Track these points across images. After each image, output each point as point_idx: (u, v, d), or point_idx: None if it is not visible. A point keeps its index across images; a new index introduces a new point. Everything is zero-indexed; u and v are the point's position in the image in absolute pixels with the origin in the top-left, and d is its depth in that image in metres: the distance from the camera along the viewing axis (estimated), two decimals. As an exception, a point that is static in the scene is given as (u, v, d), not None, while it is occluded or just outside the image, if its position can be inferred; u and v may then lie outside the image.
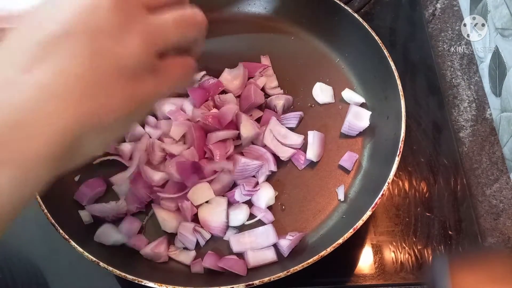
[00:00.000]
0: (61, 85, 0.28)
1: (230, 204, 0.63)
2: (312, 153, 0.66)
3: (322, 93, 0.72)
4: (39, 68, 0.28)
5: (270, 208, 0.63)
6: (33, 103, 0.28)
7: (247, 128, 0.65)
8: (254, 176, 0.64)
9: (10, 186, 0.28)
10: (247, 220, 0.62)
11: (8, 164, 0.27)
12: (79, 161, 0.32)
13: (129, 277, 0.52)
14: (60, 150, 0.29)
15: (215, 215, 0.61)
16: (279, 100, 0.70)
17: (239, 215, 0.62)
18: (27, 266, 0.65)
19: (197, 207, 0.62)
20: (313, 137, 0.66)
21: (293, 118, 0.69)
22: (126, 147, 0.66)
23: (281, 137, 0.67)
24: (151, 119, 0.69)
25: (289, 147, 0.67)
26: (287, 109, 0.71)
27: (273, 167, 0.65)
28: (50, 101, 0.28)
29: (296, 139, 0.67)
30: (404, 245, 0.65)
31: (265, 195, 0.62)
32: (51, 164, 0.29)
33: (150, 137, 0.67)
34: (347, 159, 0.66)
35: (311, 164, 0.67)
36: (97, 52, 0.29)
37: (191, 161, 0.62)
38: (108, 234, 0.60)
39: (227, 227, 0.61)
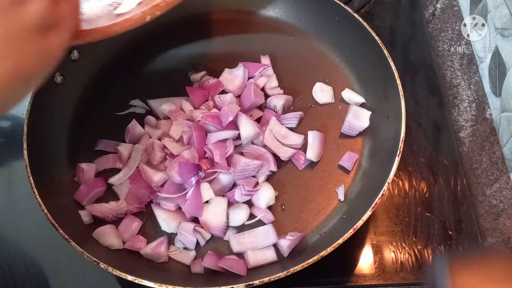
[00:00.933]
0: None
1: (230, 204, 0.63)
2: (312, 153, 0.66)
3: (322, 93, 0.72)
4: None
5: (270, 208, 0.63)
6: None
7: (247, 128, 0.65)
8: (254, 176, 0.64)
9: None
10: (247, 220, 0.62)
11: None
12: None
13: (129, 277, 0.52)
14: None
15: (215, 215, 0.61)
16: (279, 100, 0.70)
17: (239, 215, 0.62)
18: (27, 266, 0.65)
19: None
20: (313, 137, 0.66)
21: (293, 118, 0.69)
22: (125, 148, 0.66)
23: (281, 137, 0.67)
24: (151, 119, 0.69)
25: (289, 147, 0.67)
26: (287, 109, 0.71)
27: (273, 167, 0.65)
28: None
29: (296, 139, 0.67)
30: (404, 245, 0.65)
31: (265, 195, 0.62)
32: None
33: (150, 137, 0.67)
34: (347, 159, 0.66)
35: (311, 164, 0.67)
36: (2, 16, 0.31)
37: (193, 163, 0.62)
38: (106, 236, 0.60)
39: (227, 227, 0.61)
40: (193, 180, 0.61)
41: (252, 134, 0.65)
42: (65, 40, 0.37)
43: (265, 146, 0.66)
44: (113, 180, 0.64)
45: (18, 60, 0.33)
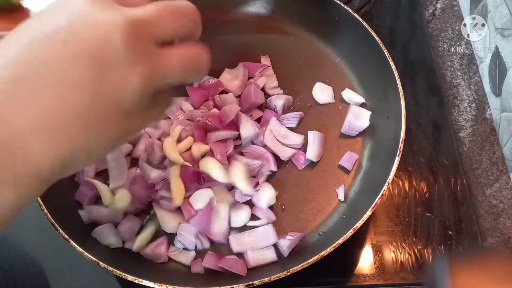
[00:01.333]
0: (61, 117, 0.28)
1: (231, 205, 0.63)
2: (312, 153, 0.66)
3: (322, 93, 0.72)
4: (41, 93, 0.28)
5: (270, 208, 0.63)
6: (31, 128, 0.28)
7: (247, 128, 0.65)
8: (254, 176, 0.64)
9: (13, 203, 0.29)
10: (249, 221, 0.62)
11: (3, 184, 0.28)
12: (65, 176, 0.33)
13: (129, 277, 0.52)
14: (50, 175, 0.31)
15: (216, 221, 0.60)
16: (279, 100, 0.70)
17: (241, 216, 0.62)
18: (27, 266, 0.65)
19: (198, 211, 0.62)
20: (313, 137, 0.66)
21: (293, 118, 0.69)
22: (123, 148, 0.66)
23: (281, 137, 0.67)
24: None
25: (289, 147, 0.67)
26: (287, 109, 0.71)
27: (273, 167, 0.65)
28: (47, 130, 0.28)
29: (296, 139, 0.67)
30: (404, 245, 0.65)
31: (266, 195, 0.62)
32: (40, 184, 0.30)
33: (150, 137, 0.67)
34: (347, 159, 0.66)
35: (311, 164, 0.67)
36: (100, 86, 0.29)
37: (193, 169, 0.62)
38: (105, 234, 0.59)
39: (229, 233, 0.61)
40: (193, 186, 0.61)
41: (252, 134, 0.65)
42: (149, 124, 0.37)
43: (265, 146, 0.66)
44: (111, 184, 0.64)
45: (95, 139, 0.31)
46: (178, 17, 0.34)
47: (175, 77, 0.34)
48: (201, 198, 0.62)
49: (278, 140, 0.67)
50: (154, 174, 0.62)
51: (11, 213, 0.30)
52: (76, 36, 0.29)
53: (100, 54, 0.29)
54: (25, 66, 0.28)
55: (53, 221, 0.55)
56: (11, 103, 0.27)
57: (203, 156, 0.64)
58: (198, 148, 0.63)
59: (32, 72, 0.28)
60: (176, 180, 0.61)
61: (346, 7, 0.71)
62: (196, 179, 0.62)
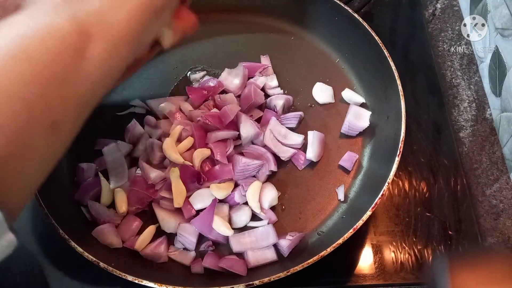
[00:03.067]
0: None
1: (231, 206, 0.63)
2: (312, 153, 0.66)
3: (322, 93, 0.72)
4: None
5: (271, 208, 0.63)
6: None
7: (247, 128, 0.65)
8: (254, 176, 0.64)
9: (101, 59, 0.35)
10: (250, 221, 0.62)
11: (101, 37, 0.35)
12: (141, 49, 0.41)
13: (129, 277, 0.52)
14: (137, 29, 0.38)
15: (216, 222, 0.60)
16: (279, 100, 0.70)
17: (242, 217, 0.62)
18: (27, 266, 0.65)
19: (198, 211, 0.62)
20: (313, 137, 0.66)
21: (293, 118, 0.69)
22: (124, 147, 0.66)
23: (281, 137, 0.67)
24: (151, 119, 0.69)
25: (289, 147, 0.67)
26: (287, 109, 0.71)
27: (273, 167, 0.65)
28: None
29: (296, 139, 0.67)
30: (404, 245, 0.65)
31: (269, 195, 0.62)
32: (130, 42, 0.37)
33: (150, 137, 0.67)
34: (347, 159, 0.66)
35: (311, 164, 0.67)
36: None
37: (193, 169, 0.62)
38: (106, 234, 0.60)
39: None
40: (193, 186, 0.61)
41: (252, 134, 0.65)
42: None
43: (265, 146, 0.66)
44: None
45: None
46: None
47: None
48: (201, 198, 0.62)
49: (278, 140, 0.67)
50: (154, 174, 0.62)
51: (109, 74, 0.37)
52: None
53: None
54: None
55: (53, 221, 0.55)
56: None
57: (204, 159, 0.64)
58: (200, 153, 0.63)
59: None
60: (177, 181, 0.61)
61: (346, 7, 0.71)
62: (196, 179, 0.62)
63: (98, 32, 0.35)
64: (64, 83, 0.33)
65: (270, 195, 0.63)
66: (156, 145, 0.65)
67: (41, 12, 0.34)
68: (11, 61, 0.31)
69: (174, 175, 0.61)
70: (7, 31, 0.33)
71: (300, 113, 0.70)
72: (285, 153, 0.66)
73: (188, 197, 0.62)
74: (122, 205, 0.61)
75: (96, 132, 0.68)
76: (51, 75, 0.32)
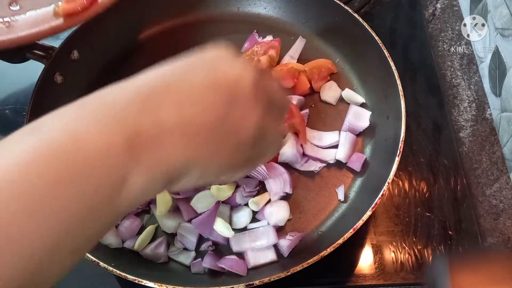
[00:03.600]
0: (194, 125, 0.33)
1: (232, 207, 0.63)
2: (342, 154, 0.65)
3: (330, 91, 0.72)
4: (185, 102, 0.33)
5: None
6: (171, 125, 0.32)
7: (287, 148, 0.64)
8: (249, 177, 0.64)
9: (140, 190, 0.30)
10: (250, 223, 0.62)
11: (146, 169, 0.30)
12: (174, 188, 0.36)
13: (129, 277, 0.52)
14: (173, 174, 0.33)
15: (217, 224, 0.60)
16: (292, 100, 0.69)
17: (242, 218, 0.62)
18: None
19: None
20: (345, 138, 0.66)
21: (304, 117, 0.69)
22: None
23: (316, 140, 0.67)
24: None
25: (328, 148, 0.67)
26: (299, 110, 0.71)
27: (289, 189, 0.63)
28: (182, 132, 0.32)
29: (332, 137, 0.67)
30: (404, 245, 0.65)
31: (279, 214, 0.61)
32: (162, 181, 0.32)
33: None
34: (355, 160, 0.65)
35: (311, 164, 0.67)
36: (228, 113, 0.34)
37: None
38: (105, 235, 0.59)
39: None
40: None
41: (289, 155, 0.64)
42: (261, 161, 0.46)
43: (304, 155, 0.66)
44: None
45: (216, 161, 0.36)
46: (284, 100, 0.44)
47: (279, 114, 0.42)
48: (203, 201, 0.62)
49: (315, 145, 0.66)
50: None
51: (135, 200, 0.31)
52: (217, 70, 0.34)
53: (233, 88, 0.34)
54: (176, 78, 0.34)
55: (53, 221, 0.55)
56: (162, 102, 0.32)
57: None
58: None
59: (179, 85, 0.33)
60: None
61: (346, 7, 0.71)
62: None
63: (147, 161, 0.30)
64: (96, 218, 0.29)
65: (281, 215, 0.61)
66: None
67: (103, 117, 0.30)
68: (57, 185, 0.26)
69: None
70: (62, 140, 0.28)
71: (306, 110, 0.70)
72: (330, 156, 0.66)
73: (186, 198, 0.62)
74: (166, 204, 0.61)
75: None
76: (90, 205, 0.28)
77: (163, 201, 0.61)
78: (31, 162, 0.26)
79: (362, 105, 0.70)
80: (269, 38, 0.76)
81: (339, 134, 0.67)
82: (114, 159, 0.28)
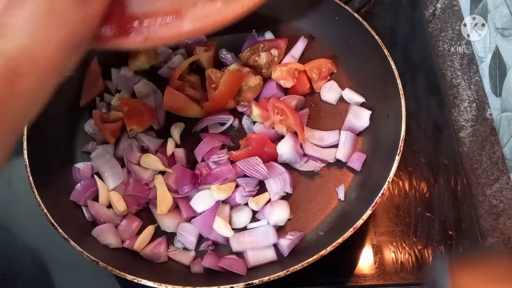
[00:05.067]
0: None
1: (232, 207, 0.63)
2: (342, 153, 0.65)
3: (330, 91, 0.72)
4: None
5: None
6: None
7: (286, 148, 0.64)
8: (247, 175, 0.64)
9: (30, 91, 0.37)
10: (250, 223, 0.62)
11: (29, 71, 0.36)
12: (68, 71, 0.40)
13: (129, 276, 0.52)
14: (62, 61, 0.39)
15: (217, 224, 0.60)
16: (292, 100, 0.69)
17: (242, 218, 0.62)
18: (27, 265, 0.65)
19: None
20: (345, 137, 0.66)
21: (303, 116, 0.69)
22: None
23: (317, 140, 0.67)
24: None
25: (329, 147, 0.67)
26: (299, 109, 0.71)
27: (289, 189, 0.63)
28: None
29: (332, 136, 0.67)
30: (404, 245, 0.65)
31: (279, 214, 0.61)
32: (57, 72, 0.38)
33: (130, 137, 0.66)
34: (355, 160, 0.65)
35: (311, 164, 0.67)
36: None
37: (188, 172, 0.62)
38: (105, 234, 0.60)
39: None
40: (187, 188, 0.61)
41: (288, 156, 0.64)
42: (102, 6, 0.42)
43: (305, 155, 0.66)
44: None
45: (69, 29, 0.39)
46: None
47: None
48: (202, 200, 0.62)
49: (316, 145, 0.66)
50: (147, 174, 0.63)
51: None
52: None
53: None
54: None
55: (52, 221, 0.55)
56: None
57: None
58: None
59: None
60: (162, 188, 0.61)
61: (346, 7, 0.71)
62: (192, 181, 0.62)
63: (26, 67, 0.36)
64: None
65: (281, 215, 0.61)
66: (135, 145, 0.65)
67: None
68: None
69: (159, 181, 0.61)
70: None
71: (306, 110, 0.70)
72: (330, 155, 0.66)
73: (186, 197, 0.62)
74: (120, 206, 0.61)
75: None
76: None
77: (164, 200, 0.61)
78: None
79: (362, 104, 0.70)
80: (268, 35, 0.76)
81: (339, 133, 0.67)
82: None
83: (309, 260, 0.52)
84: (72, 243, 0.54)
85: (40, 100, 0.39)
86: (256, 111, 0.65)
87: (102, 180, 0.63)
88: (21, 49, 0.36)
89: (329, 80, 0.73)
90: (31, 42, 0.36)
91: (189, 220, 0.61)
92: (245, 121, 0.69)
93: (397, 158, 0.58)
